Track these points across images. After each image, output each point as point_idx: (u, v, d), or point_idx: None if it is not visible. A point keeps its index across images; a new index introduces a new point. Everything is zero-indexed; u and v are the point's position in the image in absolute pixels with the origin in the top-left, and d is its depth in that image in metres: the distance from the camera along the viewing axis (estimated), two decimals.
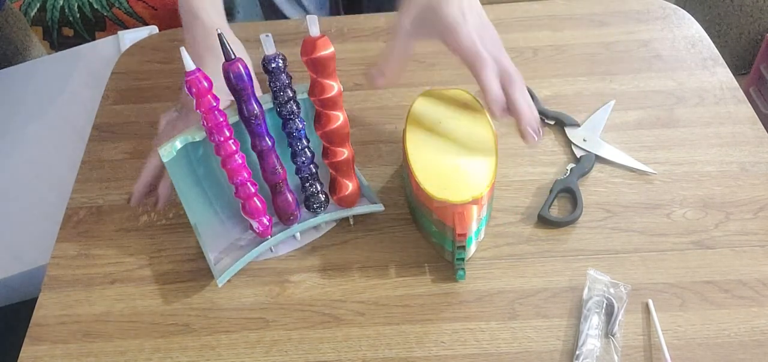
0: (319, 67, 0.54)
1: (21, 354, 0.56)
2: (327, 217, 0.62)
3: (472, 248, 0.59)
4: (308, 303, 0.58)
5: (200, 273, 0.61)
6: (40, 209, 0.77)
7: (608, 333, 0.54)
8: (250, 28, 0.86)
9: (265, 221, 0.59)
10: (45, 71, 0.93)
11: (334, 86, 0.56)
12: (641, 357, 0.53)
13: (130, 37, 0.91)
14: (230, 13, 1.19)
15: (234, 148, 0.54)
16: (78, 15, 1.23)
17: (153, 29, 0.93)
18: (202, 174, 0.60)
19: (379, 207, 0.63)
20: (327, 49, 0.53)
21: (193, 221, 0.59)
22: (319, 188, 0.60)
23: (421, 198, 0.57)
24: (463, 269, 0.58)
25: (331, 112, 0.57)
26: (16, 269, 0.73)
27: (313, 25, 0.52)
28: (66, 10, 1.22)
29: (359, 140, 0.71)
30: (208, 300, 0.59)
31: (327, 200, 0.61)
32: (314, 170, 0.60)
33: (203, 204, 0.61)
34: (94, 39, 1.25)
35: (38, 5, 1.21)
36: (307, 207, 0.61)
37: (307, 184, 0.60)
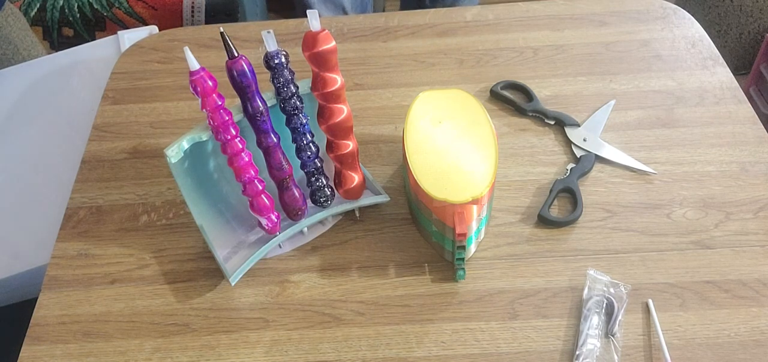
0: (321, 62, 0.54)
1: (21, 354, 0.56)
2: (334, 210, 0.62)
3: (472, 248, 0.59)
4: (308, 303, 0.58)
5: (200, 272, 0.61)
6: (40, 209, 0.77)
7: (608, 333, 0.54)
8: (252, 28, 0.86)
9: (273, 218, 0.59)
10: (45, 71, 0.93)
11: (336, 79, 0.56)
12: (641, 357, 0.53)
13: (130, 37, 0.91)
14: (231, 14, 1.20)
15: (240, 146, 0.54)
16: (78, 15, 1.23)
17: (153, 29, 0.93)
18: (206, 175, 0.60)
19: (384, 198, 0.63)
20: (328, 44, 0.54)
21: (200, 222, 0.59)
22: (325, 182, 0.60)
23: (421, 198, 0.57)
24: (463, 269, 0.58)
25: (335, 105, 0.57)
26: (16, 269, 0.73)
27: (314, 20, 0.52)
28: (66, 10, 1.22)
29: (359, 140, 0.70)
30: (208, 300, 0.59)
31: (333, 193, 0.61)
32: (319, 165, 0.60)
33: (208, 205, 0.61)
34: (94, 39, 1.25)
35: (38, 5, 1.20)
36: (314, 202, 0.61)
37: (313, 178, 0.60)
